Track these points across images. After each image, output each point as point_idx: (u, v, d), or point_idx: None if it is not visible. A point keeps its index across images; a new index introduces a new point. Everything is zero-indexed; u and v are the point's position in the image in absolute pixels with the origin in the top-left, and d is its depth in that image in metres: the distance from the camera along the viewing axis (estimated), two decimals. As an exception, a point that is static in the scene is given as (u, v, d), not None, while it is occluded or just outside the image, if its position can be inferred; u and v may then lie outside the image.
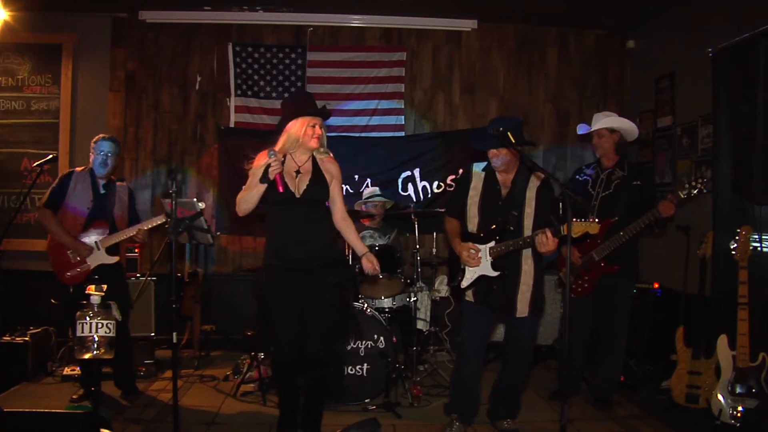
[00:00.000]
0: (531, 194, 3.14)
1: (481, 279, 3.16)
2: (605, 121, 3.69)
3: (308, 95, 3.34)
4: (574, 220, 2.69)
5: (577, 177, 3.90)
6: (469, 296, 3.24)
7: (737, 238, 3.41)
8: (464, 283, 3.22)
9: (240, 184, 5.23)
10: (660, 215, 3.39)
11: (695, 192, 3.30)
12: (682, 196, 3.34)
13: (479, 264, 3.13)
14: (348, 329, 3.38)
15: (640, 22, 5.37)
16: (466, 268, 3.20)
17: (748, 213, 3.83)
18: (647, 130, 5.28)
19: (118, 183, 3.98)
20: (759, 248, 3.71)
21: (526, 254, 3.14)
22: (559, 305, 4.75)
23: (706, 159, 4.41)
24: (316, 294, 3.06)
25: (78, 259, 3.75)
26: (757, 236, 3.67)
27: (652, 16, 5.18)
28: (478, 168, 3.27)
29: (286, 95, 5.42)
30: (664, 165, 4.99)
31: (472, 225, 3.22)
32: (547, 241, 2.88)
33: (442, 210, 3.75)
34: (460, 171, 4.90)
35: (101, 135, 3.88)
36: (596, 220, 2.77)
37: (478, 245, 3.15)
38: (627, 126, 3.71)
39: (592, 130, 3.72)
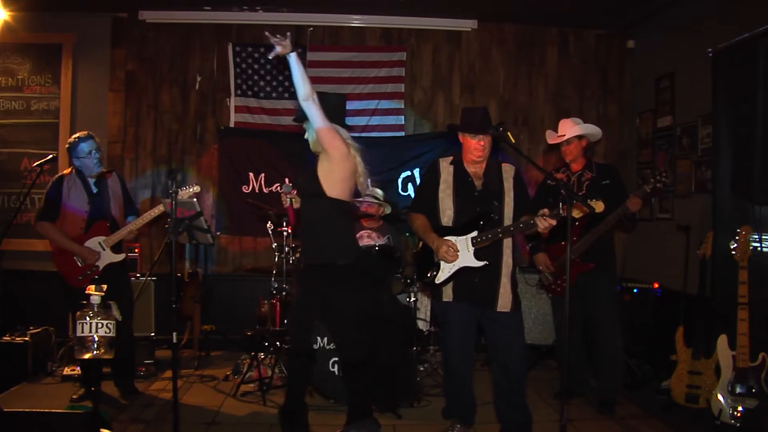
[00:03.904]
0: (509, 185, 3.14)
1: (462, 272, 3.05)
2: (574, 130, 3.82)
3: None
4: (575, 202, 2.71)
5: (549, 182, 3.91)
6: (447, 295, 3.13)
7: (737, 238, 3.42)
8: (441, 278, 3.08)
9: (240, 184, 5.35)
10: (629, 210, 3.58)
11: (660, 185, 3.51)
12: (648, 190, 3.54)
13: (456, 258, 3.03)
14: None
15: (640, 22, 5.37)
16: (442, 262, 3.08)
17: (748, 213, 3.83)
18: (647, 130, 5.28)
19: (107, 175, 3.91)
20: (759, 248, 3.71)
21: (507, 244, 3.11)
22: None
23: (706, 159, 4.41)
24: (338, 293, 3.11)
25: (86, 263, 3.74)
26: (757, 236, 3.67)
27: (652, 16, 5.18)
28: (445, 162, 3.24)
29: (286, 95, 5.43)
30: (664, 165, 4.99)
31: (446, 218, 3.15)
32: (548, 224, 2.82)
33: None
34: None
35: (73, 139, 3.75)
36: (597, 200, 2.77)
37: (455, 238, 3.05)
38: (593, 131, 3.88)
39: (564, 140, 3.84)
